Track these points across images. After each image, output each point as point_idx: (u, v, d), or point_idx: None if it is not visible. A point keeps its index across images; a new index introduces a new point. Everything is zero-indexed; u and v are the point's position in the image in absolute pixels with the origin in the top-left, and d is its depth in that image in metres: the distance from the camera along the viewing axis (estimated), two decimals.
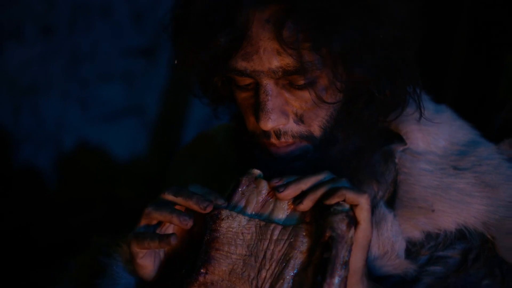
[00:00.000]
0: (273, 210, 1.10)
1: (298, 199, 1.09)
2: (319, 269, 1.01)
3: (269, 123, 1.15)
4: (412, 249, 1.23)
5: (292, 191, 1.10)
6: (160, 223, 1.15)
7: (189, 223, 1.09)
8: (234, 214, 1.08)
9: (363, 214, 1.07)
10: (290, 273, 1.04)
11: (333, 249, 1.00)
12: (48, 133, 3.31)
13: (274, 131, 1.17)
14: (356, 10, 1.12)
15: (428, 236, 1.23)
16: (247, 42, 1.13)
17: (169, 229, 1.14)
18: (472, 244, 1.22)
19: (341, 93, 1.18)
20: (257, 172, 1.12)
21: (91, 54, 3.33)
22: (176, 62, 1.22)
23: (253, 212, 1.10)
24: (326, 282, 0.99)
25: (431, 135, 1.27)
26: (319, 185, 1.09)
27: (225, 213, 1.08)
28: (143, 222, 1.13)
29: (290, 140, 1.19)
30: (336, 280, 0.99)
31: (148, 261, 1.14)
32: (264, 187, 1.11)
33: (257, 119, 1.16)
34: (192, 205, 1.10)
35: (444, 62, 3.07)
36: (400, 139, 1.28)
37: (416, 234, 1.22)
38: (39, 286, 2.76)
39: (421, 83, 1.23)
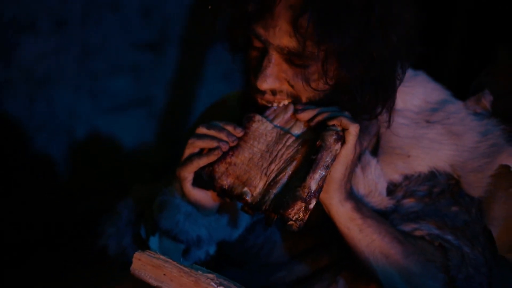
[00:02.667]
0: (292, 126, 1.40)
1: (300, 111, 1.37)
2: (309, 167, 1.31)
3: (264, 85, 1.38)
4: (392, 189, 1.46)
5: (307, 114, 1.36)
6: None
7: (231, 138, 1.38)
8: (264, 120, 1.40)
9: (350, 137, 1.31)
10: (291, 169, 1.35)
11: (319, 153, 1.30)
12: (60, 122, 3.37)
13: (271, 90, 1.40)
14: (359, 24, 1.33)
15: (406, 178, 1.46)
16: (270, 15, 1.35)
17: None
18: (438, 182, 1.45)
19: (327, 85, 1.39)
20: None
21: (102, 47, 3.40)
22: (210, 7, 1.43)
23: (278, 124, 1.40)
24: (309, 175, 1.30)
25: (408, 95, 1.50)
26: (326, 111, 1.34)
27: (257, 117, 1.41)
28: (187, 153, 1.38)
29: (284, 97, 1.41)
30: (317, 175, 1.30)
31: (195, 189, 1.40)
32: (290, 109, 1.41)
33: (256, 78, 1.38)
34: (228, 128, 1.39)
35: (439, 55, 3.14)
36: None
37: (396, 177, 1.46)
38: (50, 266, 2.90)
39: (395, 93, 1.45)
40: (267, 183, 1.37)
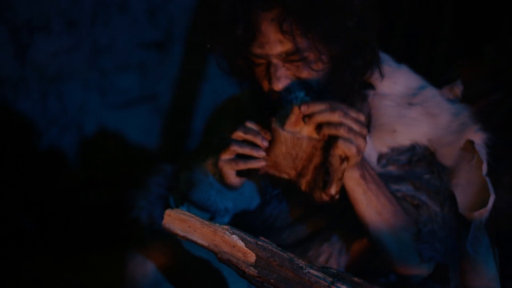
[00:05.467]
0: (302, 129, 1.60)
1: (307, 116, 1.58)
2: (325, 181, 1.54)
3: (279, 86, 1.67)
4: (382, 161, 1.76)
5: (310, 122, 1.57)
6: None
7: (265, 143, 1.61)
8: (278, 128, 1.60)
9: (352, 160, 1.55)
10: (312, 166, 1.57)
11: (330, 174, 1.53)
12: (71, 118, 3.51)
13: (284, 90, 1.68)
14: (330, 8, 1.63)
15: (392, 150, 1.75)
16: (260, 34, 1.65)
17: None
18: (416, 152, 1.75)
19: (325, 64, 1.68)
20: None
21: (110, 46, 3.53)
22: (209, 46, 1.72)
23: (290, 129, 1.60)
24: (327, 187, 1.53)
25: (393, 83, 1.80)
26: (323, 111, 1.56)
27: (273, 125, 1.61)
28: (229, 153, 1.63)
29: (296, 90, 1.67)
30: (334, 186, 1.53)
31: (236, 178, 1.66)
32: (296, 112, 1.59)
33: (271, 84, 1.68)
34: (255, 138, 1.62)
35: (427, 54, 3.28)
36: (372, 87, 1.81)
37: (384, 149, 1.76)
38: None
39: (378, 53, 1.76)
40: (296, 174, 1.62)
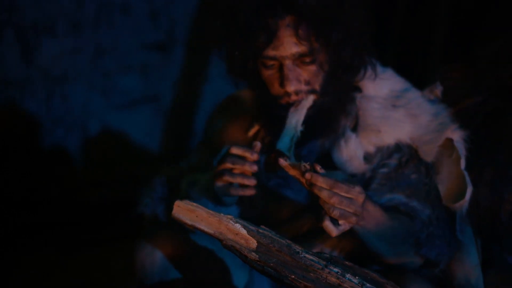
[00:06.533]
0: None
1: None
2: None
3: (292, 87, 1.81)
4: (368, 158, 1.89)
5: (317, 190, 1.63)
6: None
7: (254, 167, 1.73)
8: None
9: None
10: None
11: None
12: (75, 117, 3.55)
13: (294, 91, 1.82)
14: (339, 19, 1.80)
15: (378, 149, 1.89)
16: (276, 39, 1.80)
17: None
18: (404, 153, 1.89)
19: (330, 65, 1.83)
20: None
21: (113, 48, 3.58)
22: (219, 51, 1.87)
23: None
24: (322, 222, 1.64)
25: (379, 86, 1.95)
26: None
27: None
28: (220, 183, 1.73)
29: (303, 95, 1.83)
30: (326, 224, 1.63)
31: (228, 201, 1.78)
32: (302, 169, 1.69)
33: (283, 85, 1.82)
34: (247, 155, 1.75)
35: (422, 58, 3.33)
36: (359, 90, 1.95)
37: (370, 148, 1.90)
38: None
39: (375, 58, 1.92)
40: None
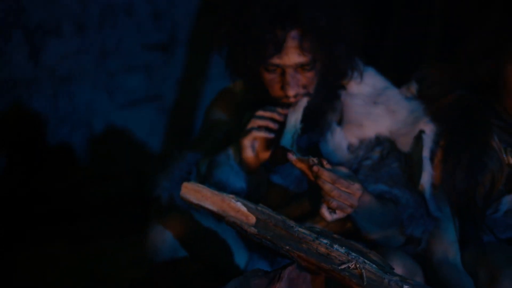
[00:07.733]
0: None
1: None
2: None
3: (293, 92, 1.99)
4: (352, 149, 2.07)
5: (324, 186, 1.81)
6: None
7: (281, 117, 1.96)
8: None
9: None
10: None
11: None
12: (80, 116, 3.62)
13: (293, 95, 1.99)
14: (340, 33, 1.99)
15: (360, 141, 2.07)
16: (282, 49, 1.96)
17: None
18: (384, 146, 2.08)
19: (324, 70, 2.01)
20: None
21: (117, 48, 3.67)
22: (225, 56, 2.03)
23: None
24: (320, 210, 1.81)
25: (361, 84, 2.13)
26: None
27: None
28: (249, 126, 1.93)
29: (300, 97, 2.00)
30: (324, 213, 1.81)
31: (252, 154, 1.94)
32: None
33: (284, 90, 2.00)
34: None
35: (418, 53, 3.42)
36: (343, 87, 2.13)
37: (354, 140, 2.09)
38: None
39: (360, 63, 2.11)
40: None
